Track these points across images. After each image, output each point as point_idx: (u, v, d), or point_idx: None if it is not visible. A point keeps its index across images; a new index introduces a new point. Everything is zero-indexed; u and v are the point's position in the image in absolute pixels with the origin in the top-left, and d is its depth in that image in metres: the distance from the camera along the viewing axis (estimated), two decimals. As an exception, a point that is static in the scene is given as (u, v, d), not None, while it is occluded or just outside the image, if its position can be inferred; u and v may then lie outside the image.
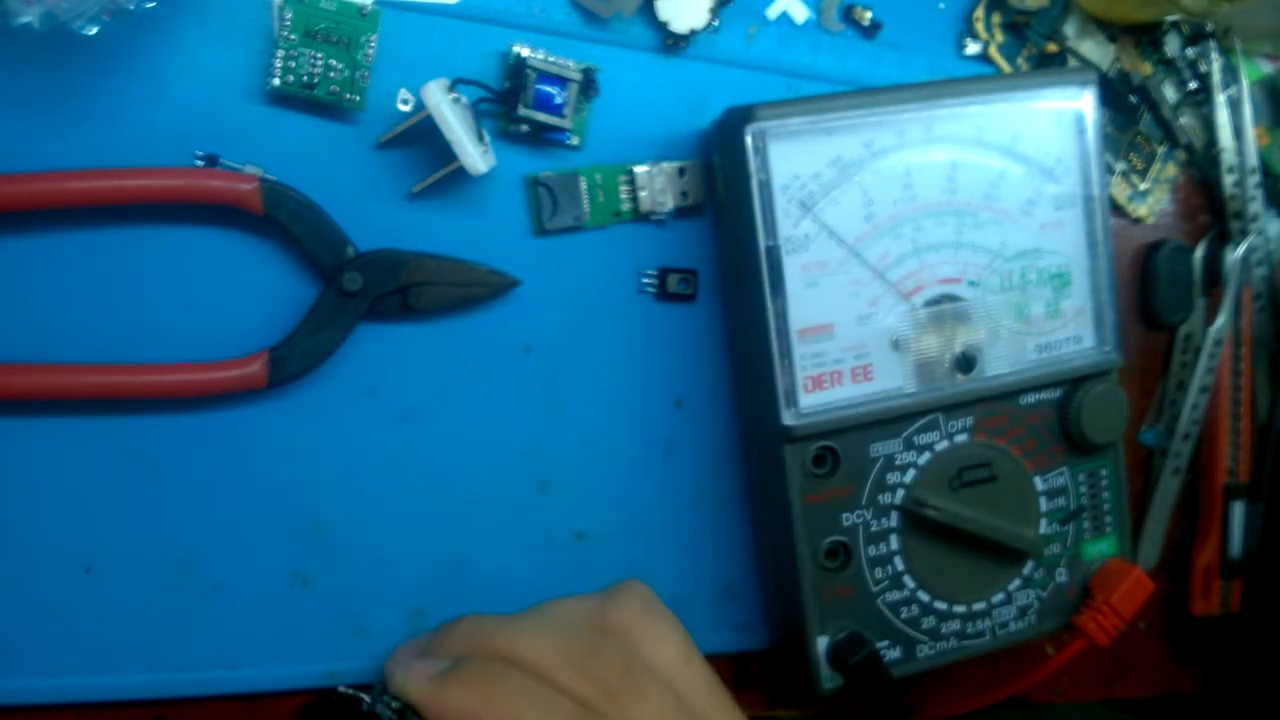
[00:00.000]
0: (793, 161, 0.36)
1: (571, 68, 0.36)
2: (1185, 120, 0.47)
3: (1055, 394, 0.40)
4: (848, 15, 0.41)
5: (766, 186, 0.36)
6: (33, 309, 0.33)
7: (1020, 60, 0.44)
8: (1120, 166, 0.46)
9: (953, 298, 0.39)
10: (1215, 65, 0.47)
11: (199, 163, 0.33)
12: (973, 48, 0.43)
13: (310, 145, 0.35)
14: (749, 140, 0.35)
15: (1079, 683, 0.48)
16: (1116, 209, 0.46)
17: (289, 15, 0.33)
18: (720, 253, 0.39)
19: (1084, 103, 0.40)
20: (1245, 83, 0.47)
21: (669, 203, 0.38)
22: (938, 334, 0.38)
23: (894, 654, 0.39)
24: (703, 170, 0.39)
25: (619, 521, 0.39)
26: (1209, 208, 0.49)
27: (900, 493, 0.38)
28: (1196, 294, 0.48)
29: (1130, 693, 0.49)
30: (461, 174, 0.34)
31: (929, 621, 0.39)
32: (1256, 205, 0.47)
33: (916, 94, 0.37)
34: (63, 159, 0.32)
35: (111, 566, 0.34)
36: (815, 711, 0.42)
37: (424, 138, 0.35)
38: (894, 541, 0.38)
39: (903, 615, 0.39)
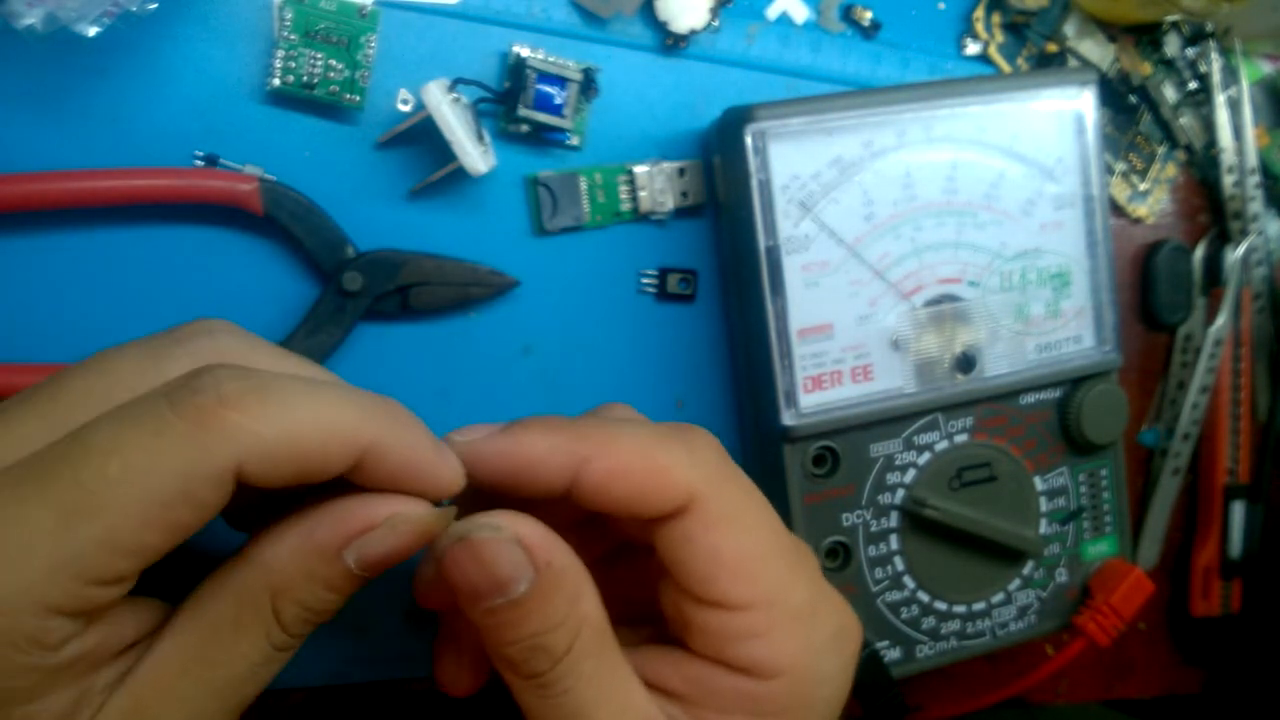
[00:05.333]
0: (793, 161, 0.36)
1: (571, 68, 0.36)
2: (1185, 120, 0.47)
3: (1055, 394, 0.40)
4: (848, 15, 0.41)
5: (766, 186, 0.36)
6: (32, 309, 0.33)
7: (1020, 60, 0.44)
8: (1120, 166, 0.46)
9: (953, 298, 0.39)
10: (1215, 65, 0.47)
11: (199, 163, 0.33)
12: (973, 48, 0.43)
13: (310, 145, 0.35)
14: (749, 140, 0.35)
15: (1079, 683, 0.48)
16: (1116, 209, 0.46)
17: (289, 15, 0.33)
18: (720, 253, 0.40)
19: (1084, 103, 0.40)
20: (1245, 83, 0.47)
21: (669, 203, 0.38)
22: (938, 334, 0.38)
23: (894, 654, 0.39)
24: (703, 170, 0.39)
25: (619, 521, 0.39)
26: (1209, 208, 0.49)
27: (900, 493, 0.38)
28: (1196, 294, 0.48)
29: (1130, 693, 0.49)
30: (461, 174, 0.34)
31: (929, 622, 0.39)
32: (1256, 205, 0.47)
33: (916, 94, 0.37)
34: (63, 159, 0.32)
35: (111, 566, 0.34)
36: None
37: (424, 138, 0.35)
38: (894, 541, 0.38)
39: (903, 615, 0.39)
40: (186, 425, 0.21)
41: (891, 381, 0.38)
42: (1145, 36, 0.46)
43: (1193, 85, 0.47)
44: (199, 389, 0.22)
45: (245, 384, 0.22)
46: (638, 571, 0.30)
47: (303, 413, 0.23)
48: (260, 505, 0.26)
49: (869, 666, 0.37)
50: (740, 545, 0.27)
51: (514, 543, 0.25)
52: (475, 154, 0.34)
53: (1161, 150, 0.47)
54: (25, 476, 0.22)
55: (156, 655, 0.23)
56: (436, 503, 0.25)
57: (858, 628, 0.29)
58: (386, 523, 0.24)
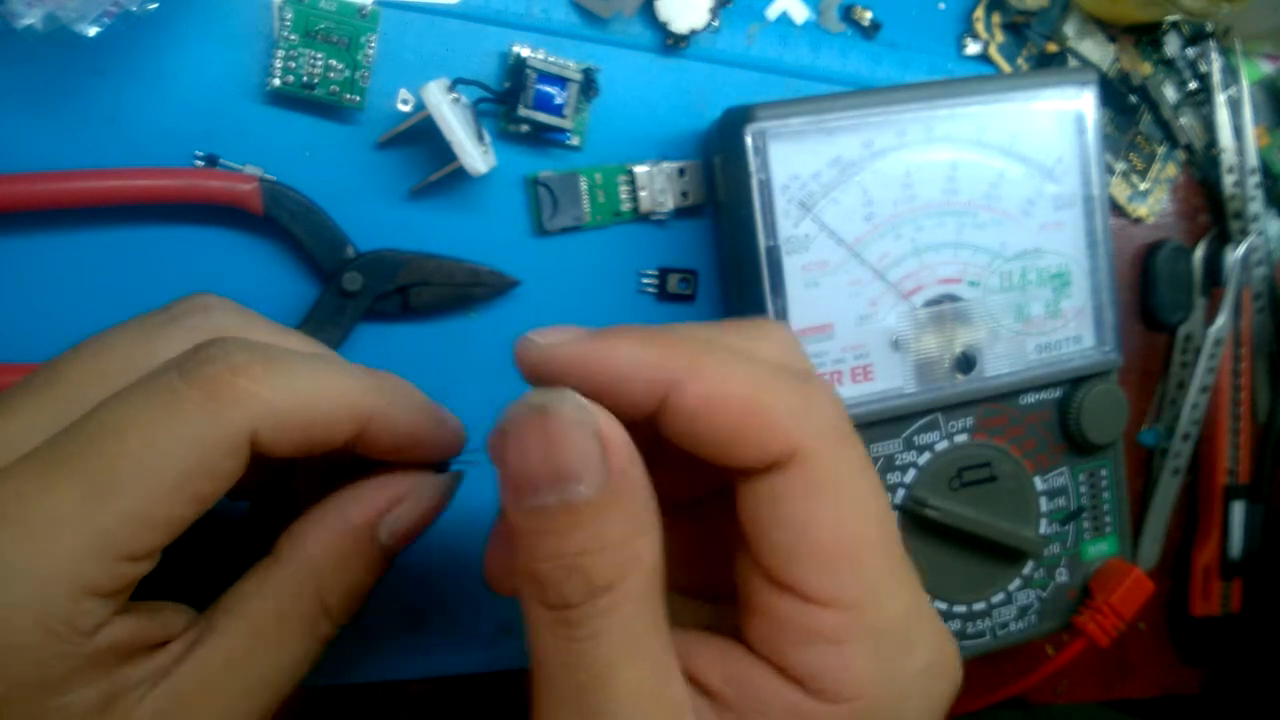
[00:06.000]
0: (793, 161, 0.36)
1: (571, 68, 0.36)
2: (1185, 120, 0.47)
3: (1055, 394, 0.40)
4: (848, 15, 0.41)
5: (766, 186, 0.36)
6: (32, 309, 0.33)
7: (1020, 60, 0.44)
8: (1120, 166, 0.46)
9: (953, 298, 0.39)
10: (1215, 65, 0.47)
11: (199, 163, 0.33)
12: (973, 48, 0.43)
13: (310, 145, 0.35)
14: (749, 140, 0.35)
15: (1079, 683, 0.48)
16: (1116, 209, 0.46)
17: (289, 15, 0.33)
18: (720, 253, 0.40)
19: (1084, 103, 0.40)
20: (1245, 83, 0.47)
21: (669, 203, 0.38)
22: (938, 334, 0.38)
23: (894, 654, 0.39)
24: (703, 170, 0.39)
25: (619, 521, 0.39)
26: (1209, 208, 0.49)
27: (900, 493, 0.38)
28: (1196, 294, 0.48)
29: (1130, 693, 0.49)
30: (461, 174, 0.34)
31: (929, 621, 0.39)
32: (1256, 205, 0.47)
33: (916, 94, 0.37)
34: (63, 159, 0.32)
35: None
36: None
37: (424, 138, 0.35)
38: (894, 541, 0.38)
39: (903, 615, 0.39)
40: (201, 395, 0.22)
41: (891, 381, 0.38)
42: (1145, 36, 0.46)
43: (1193, 85, 0.47)
44: (210, 359, 0.22)
45: (254, 354, 0.23)
46: (709, 535, 0.26)
47: (311, 382, 0.23)
48: (260, 481, 0.26)
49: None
50: (838, 524, 0.22)
51: (594, 434, 0.21)
52: (475, 154, 0.34)
53: (1161, 150, 0.47)
54: (49, 458, 0.22)
55: (200, 654, 0.23)
56: (439, 467, 0.27)
57: (958, 668, 0.24)
58: (411, 494, 0.26)
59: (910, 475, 0.38)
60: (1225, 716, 0.50)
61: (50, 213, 0.32)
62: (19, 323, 0.33)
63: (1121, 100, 0.46)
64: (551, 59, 0.36)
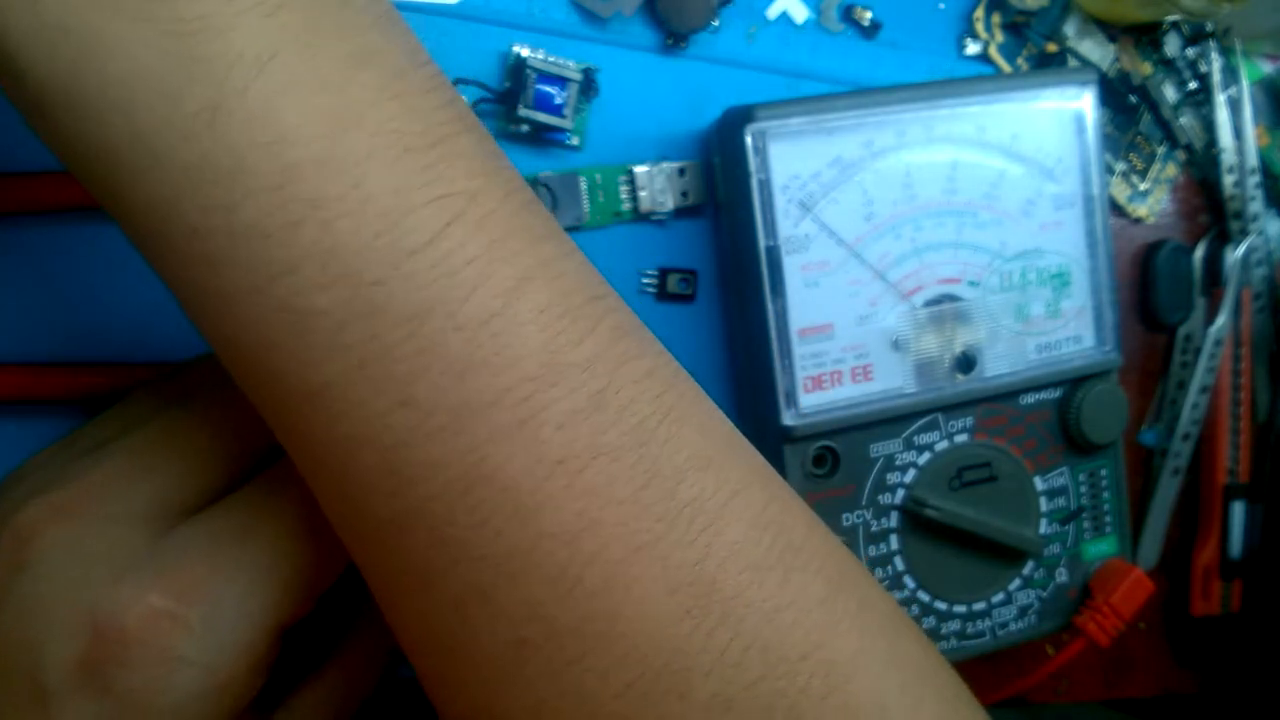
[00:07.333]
0: (793, 161, 0.36)
1: (571, 68, 0.36)
2: (1185, 120, 0.47)
3: (1055, 394, 0.40)
4: (848, 15, 0.41)
5: (766, 186, 0.36)
6: (34, 310, 0.33)
7: (1020, 60, 0.44)
8: (1120, 166, 0.46)
9: (953, 298, 0.39)
10: (1215, 65, 0.47)
11: (199, 163, 0.33)
12: (973, 48, 0.43)
13: (310, 145, 0.34)
14: (749, 140, 0.35)
15: (1079, 683, 0.48)
16: (1116, 209, 0.46)
17: (289, 15, 0.33)
18: (720, 253, 0.40)
19: (1084, 103, 0.40)
20: (1245, 83, 0.47)
21: (669, 203, 0.38)
22: (938, 334, 0.38)
23: (894, 654, 0.39)
24: (703, 170, 0.39)
25: (619, 521, 0.39)
26: (1209, 208, 0.49)
27: (900, 493, 0.38)
28: (1196, 294, 0.48)
29: (1130, 693, 0.49)
30: (461, 174, 0.34)
31: (929, 622, 0.39)
32: (1256, 205, 0.47)
33: (916, 94, 0.37)
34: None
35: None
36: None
37: (424, 138, 0.35)
38: (894, 541, 0.38)
39: (903, 615, 0.39)
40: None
41: (891, 381, 0.38)
42: (1145, 36, 0.46)
43: (1193, 85, 0.47)
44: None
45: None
46: None
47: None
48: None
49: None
50: None
51: None
52: (475, 154, 0.34)
53: (1161, 150, 0.47)
54: None
55: None
56: None
57: None
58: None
59: (910, 475, 0.38)
60: (1225, 716, 0.50)
61: (52, 213, 0.32)
62: (20, 324, 0.33)
63: (1121, 100, 0.46)
64: (551, 59, 0.36)
